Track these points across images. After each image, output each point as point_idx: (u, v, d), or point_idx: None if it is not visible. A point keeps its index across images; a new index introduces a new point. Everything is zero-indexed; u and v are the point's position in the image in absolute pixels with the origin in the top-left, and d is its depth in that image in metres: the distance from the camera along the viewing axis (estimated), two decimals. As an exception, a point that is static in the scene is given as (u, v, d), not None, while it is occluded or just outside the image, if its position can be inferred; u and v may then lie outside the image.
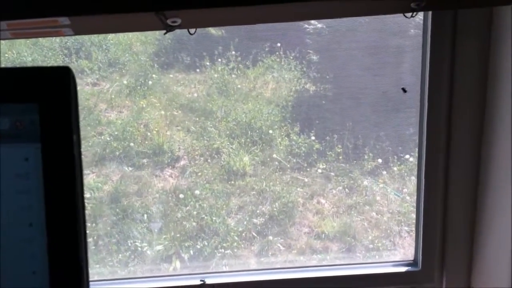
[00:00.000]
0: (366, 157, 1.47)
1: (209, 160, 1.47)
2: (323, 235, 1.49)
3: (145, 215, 1.47)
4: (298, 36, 1.42)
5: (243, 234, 1.48)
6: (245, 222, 1.48)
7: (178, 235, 1.47)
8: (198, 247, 1.47)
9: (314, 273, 1.40)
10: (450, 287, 1.39)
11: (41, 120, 0.58)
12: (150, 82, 1.47)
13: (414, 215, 1.41)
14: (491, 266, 1.30)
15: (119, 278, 1.43)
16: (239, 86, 1.47)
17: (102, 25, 1.04)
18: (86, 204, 1.40)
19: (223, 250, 1.47)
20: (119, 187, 1.47)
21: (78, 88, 0.60)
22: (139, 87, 1.47)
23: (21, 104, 0.58)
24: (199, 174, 1.47)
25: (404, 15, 1.08)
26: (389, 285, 1.40)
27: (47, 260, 0.59)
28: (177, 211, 1.47)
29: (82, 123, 1.39)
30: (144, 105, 1.47)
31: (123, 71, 1.48)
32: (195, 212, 1.47)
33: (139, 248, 1.46)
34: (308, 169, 1.47)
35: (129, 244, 1.47)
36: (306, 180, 1.48)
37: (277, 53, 1.44)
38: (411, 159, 1.45)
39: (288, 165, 1.47)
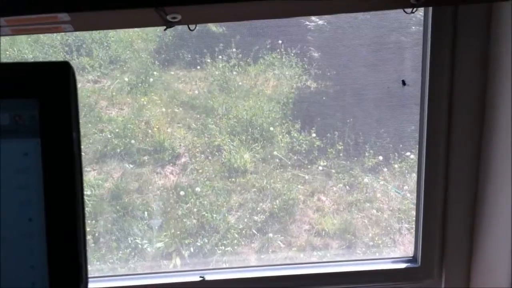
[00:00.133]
0: (367, 154, 1.47)
1: (210, 157, 1.47)
2: (324, 232, 1.49)
3: (146, 212, 1.47)
4: (299, 33, 1.41)
5: (244, 231, 1.48)
6: (245, 219, 1.48)
7: (178, 232, 1.47)
8: (198, 244, 1.47)
9: (314, 270, 1.40)
10: (450, 283, 1.39)
11: (41, 115, 0.58)
12: (151, 79, 1.47)
13: (414, 212, 1.40)
14: (491, 262, 1.30)
15: (119, 275, 1.43)
16: (240, 83, 1.47)
17: (102, 22, 1.04)
18: (87, 202, 1.40)
19: (223, 247, 1.47)
20: (120, 184, 1.47)
21: (79, 85, 0.60)
22: (140, 84, 1.47)
23: (21, 99, 0.58)
24: (200, 171, 1.47)
25: (404, 11, 1.08)
26: (389, 282, 1.40)
27: (46, 255, 0.59)
28: (177, 208, 1.47)
29: (83, 120, 1.39)
30: (145, 102, 1.47)
31: (124, 68, 1.48)
32: (195, 209, 1.47)
33: (140, 245, 1.46)
34: (309, 166, 1.47)
35: (130, 241, 1.47)
36: (306, 177, 1.48)
37: (278, 50, 1.44)
38: (412, 156, 1.45)
39: (289, 162, 1.47)
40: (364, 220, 1.50)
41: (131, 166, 1.47)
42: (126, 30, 1.47)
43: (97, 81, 1.48)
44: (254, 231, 1.48)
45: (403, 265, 1.41)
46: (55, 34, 1.42)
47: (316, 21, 1.40)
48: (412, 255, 1.43)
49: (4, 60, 1.40)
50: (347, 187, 1.49)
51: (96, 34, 1.46)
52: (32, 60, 1.43)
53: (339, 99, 1.46)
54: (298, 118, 1.46)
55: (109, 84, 1.48)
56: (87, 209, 1.44)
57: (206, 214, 1.47)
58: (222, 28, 1.42)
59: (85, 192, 1.43)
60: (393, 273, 1.40)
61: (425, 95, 1.30)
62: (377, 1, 1.03)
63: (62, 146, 0.58)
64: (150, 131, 1.46)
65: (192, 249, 1.47)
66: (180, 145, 1.47)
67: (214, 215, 1.47)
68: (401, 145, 1.46)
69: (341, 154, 1.47)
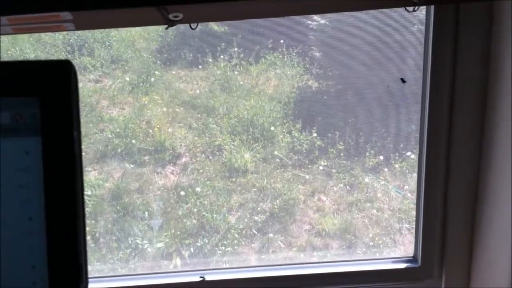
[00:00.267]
0: (367, 154, 1.47)
1: (210, 157, 1.47)
2: (324, 232, 1.49)
3: (146, 213, 1.47)
4: (301, 32, 1.41)
5: (244, 231, 1.48)
6: (246, 220, 1.48)
7: (178, 233, 1.47)
8: (199, 244, 1.47)
9: (315, 270, 1.40)
10: (450, 283, 1.39)
11: (42, 114, 0.58)
12: (152, 79, 1.47)
13: (414, 212, 1.40)
14: (491, 262, 1.30)
15: (119, 275, 1.43)
16: (241, 82, 1.47)
17: (103, 20, 1.04)
18: (87, 202, 1.40)
19: (223, 248, 1.47)
20: (120, 184, 1.47)
21: (81, 85, 0.60)
22: (141, 84, 1.47)
23: (22, 98, 0.58)
24: (201, 171, 1.47)
25: (406, 9, 1.08)
26: (389, 282, 1.40)
27: (46, 254, 0.59)
28: (178, 208, 1.47)
29: (84, 120, 1.39)
30: (146, 102, 1.47)
31: (126, 67, 1.48)
32: (195, 210, 1.47)
33: (140, 246, 1.46)
34: (309, 166, 1.47)
35: (130, 242, 1.47)
36: (307, 177, 1.48)
37: (280, 49, 1.44)
38: (412, 156, 1.45)
39: (290, 162, 1.47)
40: (365, 220, 1.50)
41: (131, 166, 1.47)
42: (128, 29, 1.47)
43: (99, 81, 1.48)
44: (254, 231, 1.48)
45: (403, 265, 1.41)
46: (57, 34, 1.42)
47: (318, 20, 1.39)
48: (412, 255, 1.43)
49: (6, 59, 1.40)
50: (348, 187, 1.49)
51: (98, 33, 1.46)
52: (34, 59, 1.43)
53: (341, 99, 1.46)
54: (299, 117, 1.46)
55: (110, 84, 1.48)
56: (87, 209, 1.44)
57: (206, 214, 1.47)
58: (224, 28, 1.42)
59: (85, 192, 1.43)
60: (393, 273, 1.40)
61: (426, 94, 1.30)
62: (379, 0, 1.03)
63: (63, 145, 0.58)
64: (151, 130, 1.46)
65: (192, 249, 1.47)
66: (181, 145, 1.47)
67: (215, 215, 1.47)
68: (401, 145, 1.45)
69: (341, 154, 1.46)
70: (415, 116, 1.36)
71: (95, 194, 1.46)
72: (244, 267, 1.44)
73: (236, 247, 1.48)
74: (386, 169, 1.48)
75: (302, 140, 1.47)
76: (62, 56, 1.44)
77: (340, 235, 1.50)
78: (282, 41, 1.43)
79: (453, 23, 1.24)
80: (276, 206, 1.48)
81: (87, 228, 1.42)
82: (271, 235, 1.48)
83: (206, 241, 1.47)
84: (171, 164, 1.48)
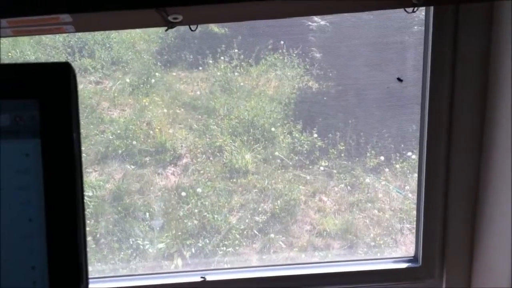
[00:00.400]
0: (368, 154, 1.47)
1: (211, 158, 1.47)
2: (325, 232, 1.49)
3: (147, 213, 1.47)
4: (301, 33, 1.42)
5: (245, 232, 1.48)
6: (247, 220, 1.48)
7: (179, 233, 1.47)
8: (200, 244, 1.47)
9: (316, 270, 1.40)
10: (451, 283, 1.39)
11: (42, 116, 0.58)
12: (152, 80, 1.47)
13: (415, 212, 1.40)
14: (492, 262, 1.30)
15: (121, 275, 1.43)
16: (241, 83, 1.47)
17: (103, 22, 1.04)
18: (88, 203, 1.41)
19: (224, 248, 1.47)
20: (122, 185, 1.47)
21: (81, 86, 0.60)
22: (142, 85, 1.48)
23: (22, 100, 0.58)
24: (201, 172, 1.48)
25: (406, 10, 1.08)
26: (390, 282, 1.40)
27: (46, 255, 0.59)
28: (179, 209, 1.47)
29: (84, 121, 1.39)
30: (146, 103, 1.48)
31: (126, 69, 1.48)
32: (196, 210, 1.47)
33: (141, 246, 1.47)
34: (310, 167, 1.47)
35: (131, 242, 1.47)
36: (308, 177, 1.48)
37: (280, 50, 1.44)
38: (413, 156, 1.45)
39: (290, 163, 1.47)
40: (366, 220, 1.50)
41: (132, 167, 1.47)
42: (128, 31, 1.47)
43: (99, 82, 1.48)
44: (255, 231, 1.48)
45: (404, 265, 1.41)
46: (57, 36, 1.42)
47: (318, 21, 1.40)
48: (413, 255, 1.43)
49: (6, 61, 1.41)
50: (349, 187, 1.49)
51: (98, 35, 1.47)
52: (33, 61, 1.43)
53: (341, 100, 1.46)
54: (299, 118, 1.46)
55: (111, 85, 1.48)
56: (88, 210, 1.45)
57: (207, 215, 1.47)
58: (224, 29, 1.42)
59: (87, 193, 1.44)
60: (395, 273, 1.40)
61: (426, 94, 1.30)
62: (379, 1, 1.04)
63: (62, 147, 0.58)
64: (151, 132, 1.47)
65: (193, 250, 1.47)
66: (182, 146, 1.47)
67: (216, 216, 1.48)
68: (402, 145, 1.45)
69: (342, 155, 1.46)
70: (415, 117, 1.37)
71: (96, 195, 1.46)
72: (245, 268, 1.44)
73: (237, 248, 1.48)
74: (387, 170, 1.48)
75: (302, 141, 1.47)
76: (62, 58, 1.44)
77: (341, 235, 1.50)
78: (282, 42, 1.43)
79: (453, 23, 1.25)
80: (277, 207, 1.48)
81: (88, 229, 1.43)
82: (272, 235, 1.48)
83: (207, 241, 1.47)
84: (172, 165, 1.48)
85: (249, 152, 1.47)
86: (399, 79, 1.37)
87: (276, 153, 1.47)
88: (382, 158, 1.47)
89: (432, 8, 1.25)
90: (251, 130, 1.47)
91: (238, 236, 1.48)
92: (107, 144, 1.46)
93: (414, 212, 1.41)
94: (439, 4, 1.21)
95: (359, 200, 1.49)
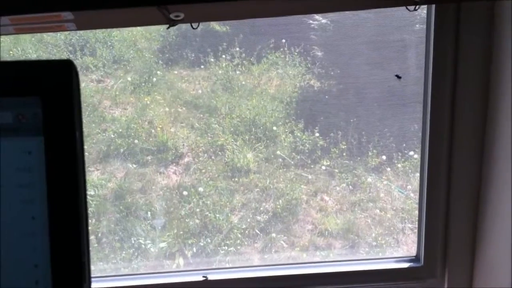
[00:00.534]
0: (370, 153, 1.46)
1: (213, 157, 1.47)
2: (327, 232, 1.49)
3: (149, 212, 1.47)
4: (303, 32, 1.41)
5: (247, 231, 1.48)
6: (248, 219, 1.48)
7: (181, 232, 1.47)
8: (201, 244, 1.47)
9: (317, 269, 1.40)
10: (453, 283, 1.39)
11: (44, 113, 0.58)
12: (154, 79, 1.47)
13: (417, 212, 1.40)
14: (494, 262, 1.30)
15: (122, 275, 1.43)
16: (243, 82, 1.47)
17: (105, 20, 1.04)
18: (90, 202, 1.41)
19: (226, 247, 1.47)
20: (123, 184, 1.47)
21: (83, 85, 0.60)
22: (143, 84, 1.47)
23: (24, 97, 0.58)
24: (203, 171, 1.47)
25: (407, 9, 1.07)
26: (392, 281, 1.40)
27: (49, 254, 0.59)
28: (180, 208, 1.47)
29: (86, 120, 1.39)
30: (148, 102, 1.47)
31: (128, 67, 1.48)
32: (198, 209, 1.47)
33: (143, 245, 1.46)
34: (312, 166, 1.47)
35: (133, 241, 1.47)
36: (310, 177, 1.48)
37: (282, 49, 1.43)
38: (415, 155, 1.44)
39: (292, 162, 1.47)
40: (367, 220, 1.50)
41: (134, 166, 1.47)
42: (130, 29, 1.47)
43: (101, 81, 1.48)
44: (257, 231, 1.48)
45: (406, 265, 1.41)
46: (59, 34, 1.42)
47: (319, 19, 1.39)
48: (415, 255, 1.43)
49: (8, 58, 1.40)
50: (350, 186, 1.49)
51: (100, 33, 1.46)
52: (35, 59, 1.43)
53: (343, 98, 1.46)
54: (301, 117, 1.46)
55: (112, 84, 1.48)
56: (90, 209, 1.45)
57: (209, 214, 1.47)
58: (226, 27, 1.42)
59: (88, 192, 1.43)
60: (396, 273, 1.40)
61: (428, 93, 1.30)
62: None
63: (65, 144, 0.58)
64: (153, 130, 1.46)
65: (195, 249, 1.47)
66: (183, 144, 1.47)
67: (217, 215, 1.47)
68: (404, 145, 1.45)
69: (344, 154, 1.46)
70: (417, 116, 1.36)
71: (98, 194, 1.46)
72: (246, 267, 1.44)
73: (239, 247, 1.48)
74: (388, 169, 1.48)
75: (304, 140, 1.46)
76: (64, 56, 1.44)
77: (343, 234, 1.49)
78: (283, 40, 1.43)
79: (454, 22, 1.24)
80: (278, 206, 1.48)
81: (90, 228, 1.43)
82: (273, 235, 1.48)
83: (209, 240, 1.47)
84: (174, 164, 1.48)
85: (250, 151, 1.47)
86: (398, 76, 1.36)
87: (278, 152, 1.47)
88: (384, 157, 1.47)
89: (433, 6, 1.25)
90: (253, 129, 1.47)
91: (239, 235, 1.47)
92: (109, 143, 1.46)
93: (416, 212, 1.41)
94: (440, 2, 1.21)
95: (361, 199, 1.49)
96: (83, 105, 0.60)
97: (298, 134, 1.47)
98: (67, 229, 0.59)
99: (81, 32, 1.44)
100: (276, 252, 1.48)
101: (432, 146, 1.32)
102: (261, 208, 1.48)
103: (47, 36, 1.44)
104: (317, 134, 1.46)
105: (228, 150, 1.47)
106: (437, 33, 1.25)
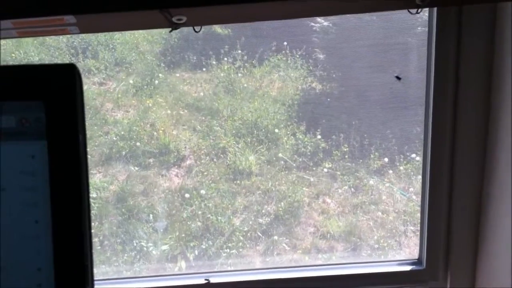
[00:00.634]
0: (372, 156, 1.46)
1: (215, 160, 1.47)
2: (329, 234, 1.49)
3: (151, 215, 1.47)
4: (305, 34, 1.41)
5: (249, 233, 1.48)
6: (250, 222, 1.48)
7: (183, 235, 1.47)
8: (203, 246, 1.47)
9: (319, 272, 1.40)
10: (455, 285, 1.39)
11: (47, 118, 0.58)
12: (156, 82, 1.47)
13: (419, 214, 1.40)
14: (496, 264, 1.30)
15: (124, 277, 1.43)
16: (245, 85, 1.47)
17: (107, 24, 1.04)
18: (92, 204, 1.40)
19: (228, 250, 1.47)
20: (125, 187, 1.47)
21: (85, 87, 0.60)
22: (145, 87, 1.48)
23: (27, 101, 0.58)
24: (205, 173, 1.47)
25: (409, 12, 1.07)
26: (394, 284, 1.39)
27: (52, 257, 0.59)
28: (182, 210, 1.47)
29: (88, 122, 1.39)
30: (150, 105, 1.47)
31: (130, 70, 1.48)
32: (200, 212, 1.47)
33: (145, 248, 1.46)
34: (314, 168, 1.47)
35: (135, 244, 1.47)
36: (312, 179, 1.48)
37: (284, 51, 1.44)
38: (417, 158, 1.44)
39: (294, 164, 1.47)
40: (370, 223, 1.49)
41: (136, 168, 1.47)
42: (132, 32, 1.47)
43: (103, 83, 1.48)
44: (259, 233, 1.48)
45: (408, 267, 1.41)
46: (61, 37, 1.42)
47: (321, 22, 1.39)
48: (417, 257, 1.43)
49: (10, 62, 1.41)
50: (352, 189, 1.49)
51: (102, 36, 1.47)
52: (38, 63, 1.43)
53: (344, 101, 1.46)
54: (303, 120, 1.46)
55: (114, 86, 1.48)
56: (92, 212, 1.45)
57: (211, 217, 1.47)
58: (228, 30, 1.42)
59: (91, 195, 1.43)
60: (399, 275, 1.40)
61: (430, 96, 1.30)
62: (382, 2, 1.03)
63: (68, 148, 0.58)
64: (155, 133, 1.47)
65: (197, 252, 1.47)
66: (185, 147, 1.47)
67: (219, 218, 1.47)
68: (406, 147, 1.45)
69: (346, 156, 1.46)
70: (419, 118, 1.36)
71: (100, 196, 1.46)
72: (248, 270, 1.44)
73: (240, 250, 1.48)
74: (390, 171, 1.48)
75: (306, 142, 1.46)
76: (66, 59, 1.44)
77: (345, 237, 1.49)
78: (285, 43, 1.43)
79: (456, 25, 1.25)
80: (280, 209, 1.48)
81: (92, 231, 1.43)
82: (275, 237, 1.48)
83: (211, 243, 1.47)
84: (176, 166, 1.48)
85: (252, 153, 1.47)
86: (398, 77, 1.36)
87: (280, 155, 1.47)
88: (386, 159, 1.47)
89: (435, 9, 1.25)
90: (255, 131, 1.47)
91: (241, 238, 1.47)
92: (111, 146, 1.46)
93: (418, 214, 1.41)
94: (442, 5, 1.21)
95: (363, 202, 1.49)
96: (86, 107, 0.60)
97: (300, 137, 1.47)
98: (70, 232, 0.59)
99: (83, 35, 1.44)
100: (278, 254, 1.48)
101: (434, 149, 1.32)
102: (263, 211, 1.48)
103: (49, 39, 1.44)
104: (319, 137, 1.46)
105: (230, 152, 1.47)
106: (439, 36, 1.26)
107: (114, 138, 1.46)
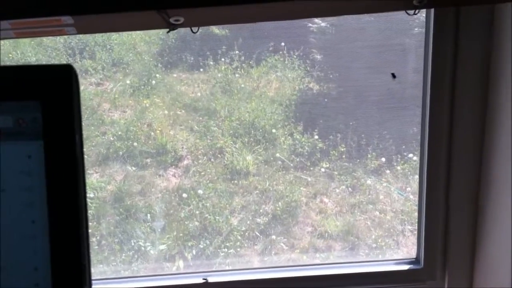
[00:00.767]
0: (369, 156, 1.47)
1: (212, 160, 1.47)
2: (326, 234, 1.49)
3: (149, 215, 1.47)
4: (302, 35, 1.42)
5: (246, 233, 1.48)
6: (248, 222, 1.48)
7: (181, 235, 1.47)
8: (201, 246, 1.47)
9: (317, 271, 1.40)
10: (453, 285, 1.39)
11: (44, 118, 0.58)
12: (153, 82, 1.47)
13: (417, 214, 1.40)
14: (493, 263, 1.30)
15: (122, 277, 1.43)
16: (242, 85, 1.47)
17: (105, 24, 1.04)
18: (89, 204, 1.41)
19: (226, 250, 1.47)
20: (123, 187, 1.47)
21: (82, 88, 0.60)
22: (142, 87, 1.48)
23: (24, 102, 0.58)
24: (202, 173, 1.48)
25: (407, 13, 1.08)
26: (392, 283, 1.40)
27: (49, 257, 0.59)
28: (180, 210, 1.47)
29: (85, 123, 1.39)
30: (147, 105, 1.48)
31: (127, 70, 1.48)
32: (198, 212, 1.47)
33: (143, 248, 1.47)
34: (311, 168, 1.47)
35: (133, 244, 1.47)
36: (309, 179, 1.48)
37: (281, 52, 1.44)
38: (414, 158, 1.45)
39: (292, 164, 1.47)
40: (367, 222, 1.50)
41: (133, 168, 1.47)
42: (129, 32, 1.47)
43: (100, 84, 1.48)
44: (257, 233, 1.48)
45: (406, 267, 1.41)
46: (58, 37, 1.42)
47: (318, 23, 1.40)
48: (415, 257, 1.43)
49: (7, 63, 1.41)
50: (350, 189, 1.49)
51: (99, 37, 1.47)
52: (35, 63, 1.43)
53: (342, 101, 1.46)
54: (300, 120, 1.46)
55: (111, 87, 1.48)
56: (90, 212, 1.45)
57: (208, 216, 1.47)
58: (225, 31, 1.42)
59: (88, 195, 1.43)
60: (396, 275, 1.40)
61: (427, 96, 1.30)
62: (380, 3, 1.04)
63: (65, 148, 0.58)
64: (152, 133, 1.47)
65: (195, 251, 1.47)
66: (183, 147, 1.48)
67: (217, 217, 1.48)
68: (403, 147, 1.45)
69: (343, 156, 1.46)
70: (416, 118, 1.37)
71: (97, 196, 1.46)
72: (246, 269, 1.44)
73: (238, 249, 1.48)
74: (388, 171, 1.48)
75: (303, 143, 1.47)
76: (63, 59, 1.44)
77: (343, 237, 1.50)
78: (283, 43, 1.43)
79: (454, 26, 1.25)
80: (278, 208, 1.48)
81: (90, 230, 1.43)
82: (273, 237, 1.48)
83: (209, 243, 1.47)
84: (173, 166, 1.48)
85: (250, 153, 1.47)
86: (393, 75, 1.37)
87: (277, 155, 1.47)
88: (383, 159, 1.47)
89: (432, 10, 1.25)
90: (252, 131, 1.47)
91: (239, 237, 1.48)
92: (108, 146, 1.46)
93: (416, 214, 1.41)
94: (440, 6, 1.21)
95: (360, 201, 1.49)
96: (82, 108, 0.61)
97: (298, 137, 1.47)
98: (67, 232, 0.59)
99: (81, 35, 1.44)
100: (276, 254, 1.48)
101: (431, 149, 1.32)
102: (261, 210, 1.48)
103: (47, 40, 1.44)
104: (316, 137, 1.46)
105: (228, 152, 1.47)
106: (436, 37, 1.26)
107: (111, 138, 1.46)
